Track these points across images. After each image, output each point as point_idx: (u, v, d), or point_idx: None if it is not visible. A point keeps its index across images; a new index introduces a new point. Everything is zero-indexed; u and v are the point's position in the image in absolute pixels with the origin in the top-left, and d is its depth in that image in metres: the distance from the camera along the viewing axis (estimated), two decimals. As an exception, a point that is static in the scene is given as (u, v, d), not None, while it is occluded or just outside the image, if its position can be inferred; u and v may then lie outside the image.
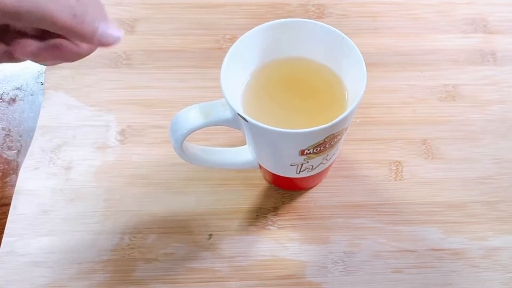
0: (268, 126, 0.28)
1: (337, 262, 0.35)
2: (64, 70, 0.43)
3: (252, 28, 0.32)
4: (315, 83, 0.34)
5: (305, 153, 0.30)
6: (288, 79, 0.34)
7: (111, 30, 0.25)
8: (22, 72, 0.44)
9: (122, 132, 0.40)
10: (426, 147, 0.40)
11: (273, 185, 0.38)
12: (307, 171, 0.34)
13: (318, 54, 0.33)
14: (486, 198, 0.38)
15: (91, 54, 0.26)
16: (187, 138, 0.30)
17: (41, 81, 0.44)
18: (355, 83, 0.31)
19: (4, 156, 0.40)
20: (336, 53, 0.32)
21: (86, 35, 0.24)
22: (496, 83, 0.43)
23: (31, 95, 0.43)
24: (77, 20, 0.23)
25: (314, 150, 0.30)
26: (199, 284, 0.34)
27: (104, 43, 0.25)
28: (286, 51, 0.34)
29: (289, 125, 0.28)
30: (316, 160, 0.32)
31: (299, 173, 0.33)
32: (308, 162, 0.32)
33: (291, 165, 0.32)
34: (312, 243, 0.36)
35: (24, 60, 0.25)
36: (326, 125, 0.28)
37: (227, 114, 0.29)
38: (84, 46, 0.25)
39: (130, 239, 0.36)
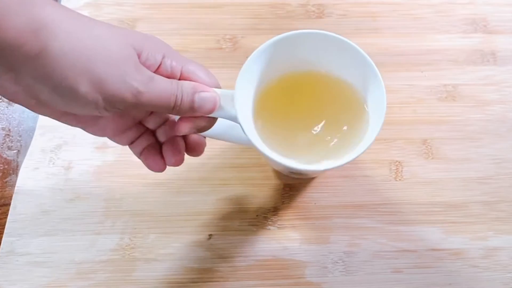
0: (274, 156, 0.28)
1: (337, 262, 0.35)
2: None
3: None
4: (335, 99, 0.33)
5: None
6: (304, 93, 0.33)
7: (205, 96, 0.27)
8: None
9: (122, 132, 0.40)
10: (426, 147, 0.40)
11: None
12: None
13: (339, 70, 0.33)
14: (486, 198, 0.38)
15: None
16: None
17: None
18: (375, 110, 0.30)
19: (4, 156, 0.40)
20: (358, 72, 0.31)
21: (183, 110, 0.26)
22: (496, 83, 0.43)
23: (31, 95, 0.43)
24: (176, 102, 0.26)
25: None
26: (199, 284, 0.34)
27: (202, 111, 0.27)
28: (305, 64, 0.33)
29: (299, 142, 0.29)
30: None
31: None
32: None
33: (291, 172, 0.32)
34: (312, 243, 0.36)
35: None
36: (330, 166, 0.28)
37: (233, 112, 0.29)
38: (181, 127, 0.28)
39: (130, 239, 0.36)
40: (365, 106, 0.32)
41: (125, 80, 0.24)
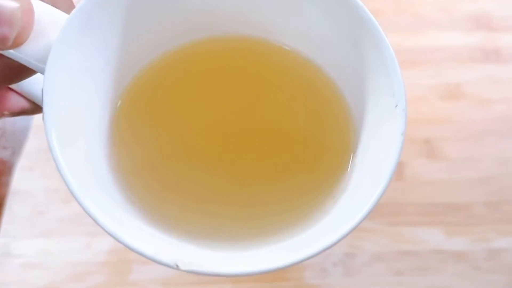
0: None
1: (337, 264, 0.35)
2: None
3: None
4: (289, 106, 0.17)
5: None
6: (219, 89, 0.17)
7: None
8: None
9: (119, 132, 0.40)
10: (428, 147, 0.40)
11: None
12: None
13: (308, 44, 0.17)
14: (490, 199, 0.37)
15: None
16: None
17: (37, 80, 0.43)
18: (373, 141, 0.16)
19: (-1, 156, 0.40)
20: (348, 53, 0.17)
21: None
22: (499, 82, 0.43)
23: (27, 94, 0.43)
24: None
25: None
26: (196, 286, 0.34)
27: None
28: (219, 23, 0.16)
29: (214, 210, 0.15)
30: None
31: None
32: None
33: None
34: (312, 244, 0.36)
35: None
36: (250, 270, 0.15)
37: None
38: None
39: (126, 240, 0.36)
40: (349, 130, 0.16)
41: None
